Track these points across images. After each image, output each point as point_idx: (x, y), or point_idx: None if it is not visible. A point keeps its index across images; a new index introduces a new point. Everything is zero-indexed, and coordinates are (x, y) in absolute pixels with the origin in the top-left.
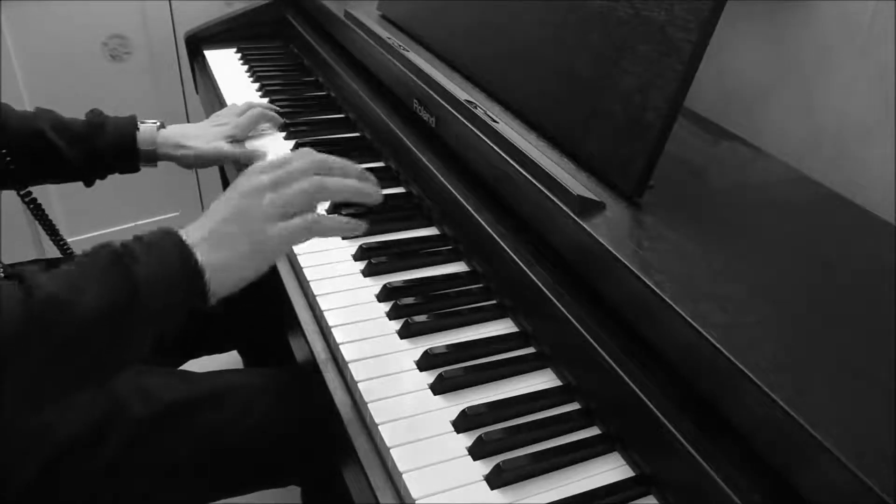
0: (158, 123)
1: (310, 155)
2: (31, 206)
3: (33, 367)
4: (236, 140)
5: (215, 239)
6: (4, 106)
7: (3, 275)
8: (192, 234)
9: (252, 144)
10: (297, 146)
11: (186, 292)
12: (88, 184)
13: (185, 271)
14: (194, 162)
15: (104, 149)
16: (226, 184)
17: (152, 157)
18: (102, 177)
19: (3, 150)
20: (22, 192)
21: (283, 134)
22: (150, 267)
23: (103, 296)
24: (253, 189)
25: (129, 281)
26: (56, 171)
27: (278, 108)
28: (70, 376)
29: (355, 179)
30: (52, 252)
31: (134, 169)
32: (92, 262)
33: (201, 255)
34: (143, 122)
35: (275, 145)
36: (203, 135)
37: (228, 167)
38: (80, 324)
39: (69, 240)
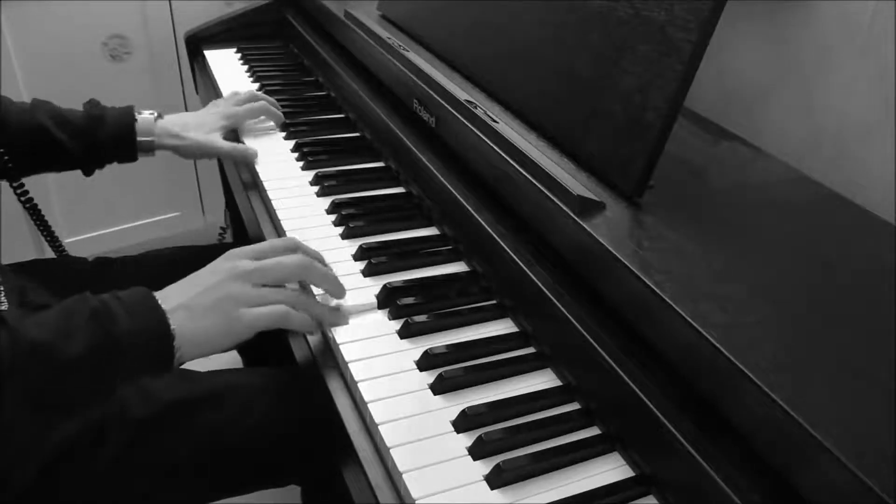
0: (156, 114)
1: (296, 255)
2: (24, 200)
3: (12, 407)
4: (232, 127)
5: (193, 311)
6: (2, 98)
7: None
8: (170, 300)
9: (251, 144)
10: (297, 146)
11: (155, 355)
12: (88, 173)
13: (158, 340)
14: (191, 152)
15: (104, 140)
16: (225, 181)
17: (150, 148)
18: (101, 166)
19: (1, 149)
20: (15, 186)
21: (283, 134)
22: (126, 328)
23: (86, 347)
24: (239, 274)
25: (109, 338)
26: (56, 162)
27: (280, 107)
28: (45, 417)
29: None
30: (52, 252)
31: (132, 158)
32: (74, 313)
33: (175, 323)
34: (140, 113)
35: (275, 145)
36: (201, 124)
37: (228, 164)
38: (61, 370)
39: (68, 240)
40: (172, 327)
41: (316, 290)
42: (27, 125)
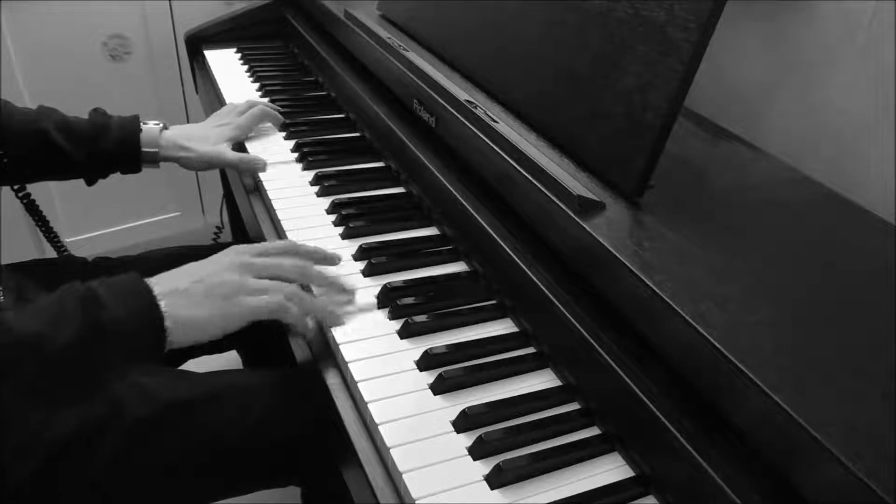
0: (161, 125)
1: (297, 258)
2: (26, 202)
3: (7, 401)
4: (238, 140)
5: (188, 296)
6: (7, 105)
7: None
8: (162, 285)
9: (252, 145)
10: (297, 146)
11: (145, 339)
12: (90, 182)
13: (145, 316)
14: (196, 164)
15: (108, 150)
16: (226, 184)
17: (155, 159)
18: (104, 176)
19: (2, 152)
20: (16, 188)
21: (284, 134)
22: (116, 313)
23: (74, 337)
24: (239, 265)
25: (97, 324)
26: (59, 170)
27: (279, 108)
28: (44, 406)
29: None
30: (52, 252)
31: (136, 170)
32: (62, 304)
33: (166, 307)
34: (145, 124)
35: (275, 145)
36: (206, 136)
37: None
38: (51, 360)
39: (69, 240)
40: (164, 311)
41: (317, 290)
42: (30, 131)
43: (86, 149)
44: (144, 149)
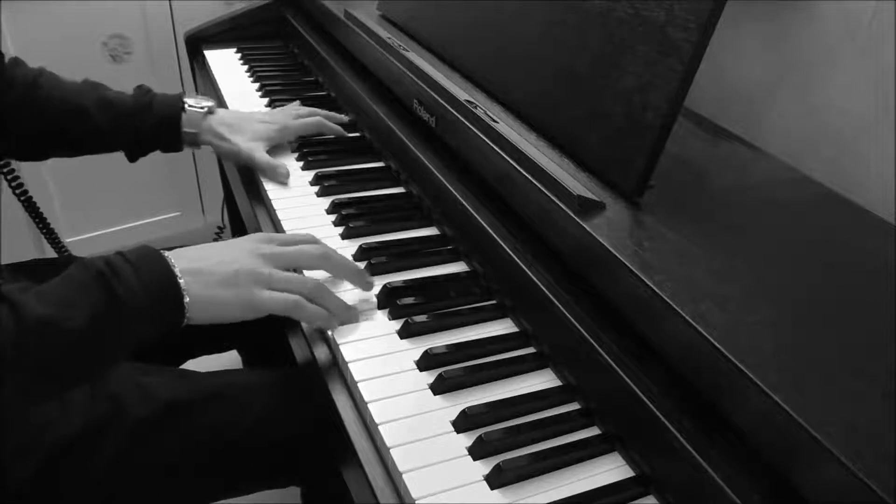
0: (206, 108)
1: (318, 245)
2: (24, 200)
3: (26, 381)
4: (277, 143)
5: (206, 277)
6: (52, 78)
7: None
8: (181, 262)
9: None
10: (297, 146)
11: (165, 315)
12: (132, 158)
13: (167, 297)
14: (229, 157)
15: (148, 129)
16: (226, 184)
17: (195, 141)
18: (145, 153)
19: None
20: (13, 184)
21: None
22: (130, 284)
23: (88, 317)
24: (260, 255)
25: (113, 302)
26: (99, 146)
27: (344, 118)
28: (56, 386)
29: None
30: (52, 252)
31: (177, 149)
32: (78, 281)
33: (185, 284)
34: (191, 106)
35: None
36: (248, 131)
37: (228, 164)
38: (67, 342)
39: (69, 240)
40: (183, 287)
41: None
42: (70, 109)
43: (126, 127)
44: (185, 129)
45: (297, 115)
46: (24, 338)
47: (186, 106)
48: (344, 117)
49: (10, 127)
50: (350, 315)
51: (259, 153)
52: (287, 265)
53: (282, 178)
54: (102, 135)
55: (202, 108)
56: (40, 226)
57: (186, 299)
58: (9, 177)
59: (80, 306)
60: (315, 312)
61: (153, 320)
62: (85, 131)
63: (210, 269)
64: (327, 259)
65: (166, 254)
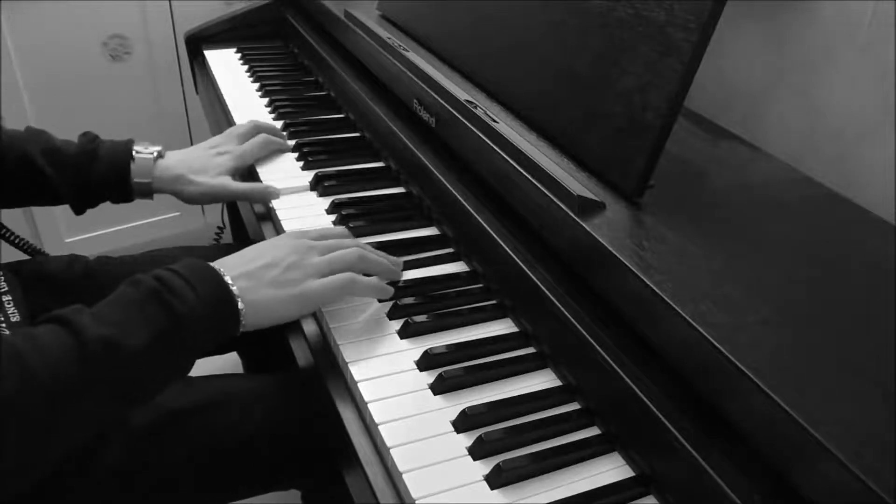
0: (155, 153)
1: (354, 244)
2: None
3: (94, 405)
4: (239, 170)
5: (257, 281)
6: None
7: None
8: (230, 269)
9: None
10: (297, 146)
11: (223, 324)
12: (78, 212)
13: (223, 306)
14: (199, 198)
15: (95, 179)
16: None
17: (148, 191)
18: (93, 205)
19: None
20: None
21: (284, 134)
22: (189, 301)
23: (149, 335)
24: (305, 247)
25: (172, 317)
26: (45, 197)
27: (282, 132)
28: (120, 406)
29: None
30: (52, 252)
31: (127, 200)
32: (132, 300)
33: (238, 291)
34: (138, 153)
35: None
36: (206, 167)
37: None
38: (129, 362)
39: (69, 240)
40: (236, 294)
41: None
42: (14, 156)
43: (72, 177)
44: (136, 179)
45: (239, 136)
46: (88, 359)
47: (134, 152)
48: (277, 126)
49: None
50: (396, 272)
51: (233, 184)
52: (331, 269)
53: (273, 197)
54: (49, 183)
55: (150, 153)
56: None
57: (241, 305)
58: None
59: (140, 324)
60: (369, 284)
61: (211, 331)
62: (30, 180)
63: (259, 273)
64: (363, 258)
65: (213, 264)
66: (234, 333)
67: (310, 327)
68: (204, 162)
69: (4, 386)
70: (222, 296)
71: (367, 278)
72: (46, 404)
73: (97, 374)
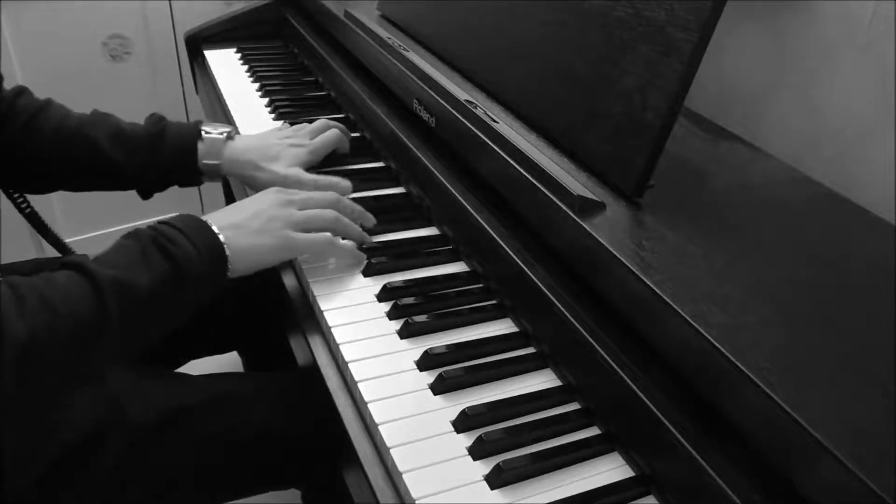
0: (225, 134)
1: (333, 194)
2: (28, 211)
3: (114, 343)
4: (310, 166)
5: (242, 229)
6: (60, 109)
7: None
8: (217, 221)
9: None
10: None
11: (214, 267)
12: (145, 196)
13: (213, 252)
14: (268, 185)
15: (161, 162)
16: (226, 184)
17: (217, 172)
18: (161, 189)
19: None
20: (17, 197)
21: None
22: (185, 248)
23: (153, 277)
24: (285, 201)
25: (172, 261)
26: (112, 181)
27: (349, 132)
28: (135, 345)
29: (359, 227)
30: (52, 252)
31: (195, 182)
32: (133, 248)
33: (225, 238)
34: (207, 133)
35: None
36: (280, 156)
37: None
38: (138, 303)
39: (69, 240)
40: (224, 242)
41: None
42: (80, 141)
43: (139, 161)
44: (204, 161)
45: (311, 132)
46: (103, 300)
47: (203, 133)
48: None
49: (17, 158)
50: (366, 236)
51: (305, 175)
52: (307, 207)
53: (347, 190)
54: (115, 168)
55: (220, 133)
56: (44, 235)
57: (227, 252)
58: (20, 201)
59: (144, 268)
60: (347, 248)
61: (205, 278)
62: (95, 164)
63: (245, 222)
64: (338, 201)
65: (202, 217)
66: (224, 280)
67: (310, 327)
68: (279, 151)
69: (35, 322)
70: (212, 244)
71: (344, 242)
72: (66, 346)
73: (110, 313)
